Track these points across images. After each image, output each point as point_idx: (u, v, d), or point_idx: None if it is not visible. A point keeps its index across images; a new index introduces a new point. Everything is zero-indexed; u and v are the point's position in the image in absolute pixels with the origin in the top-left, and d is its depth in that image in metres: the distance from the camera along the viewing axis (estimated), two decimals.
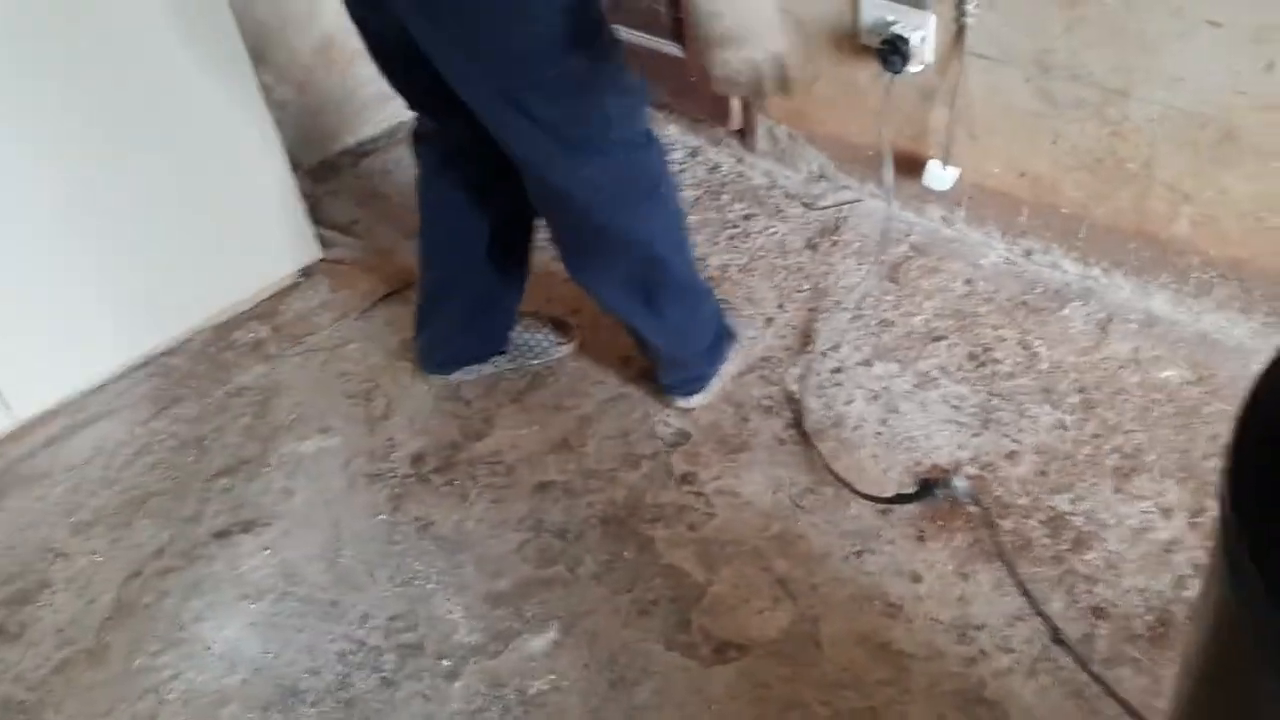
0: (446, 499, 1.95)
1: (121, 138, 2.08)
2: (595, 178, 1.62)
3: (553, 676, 1.65)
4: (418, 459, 2.03)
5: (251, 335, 2.36)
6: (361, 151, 2.88)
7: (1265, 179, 1.84)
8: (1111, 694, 1.50)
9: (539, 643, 1.70)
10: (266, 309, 2.41)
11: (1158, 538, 1.72)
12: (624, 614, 1.72)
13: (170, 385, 2.26)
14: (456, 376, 2.14)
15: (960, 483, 1.74)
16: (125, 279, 2.20)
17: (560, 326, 2.19)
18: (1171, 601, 1.63)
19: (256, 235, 2.39)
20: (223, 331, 2.36)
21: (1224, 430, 1.78)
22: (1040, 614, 1.61)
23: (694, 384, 2.02)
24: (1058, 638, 1.57)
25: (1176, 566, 1.68)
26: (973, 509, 1.77)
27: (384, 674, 1.69)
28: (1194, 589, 1.63)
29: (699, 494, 1.89)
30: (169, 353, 2.32)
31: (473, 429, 2.08)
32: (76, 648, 1.79)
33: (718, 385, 2.04)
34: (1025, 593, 1.64)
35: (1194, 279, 2.03)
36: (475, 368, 2.14)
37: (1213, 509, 1.72)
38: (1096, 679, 1.52)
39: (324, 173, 2.77)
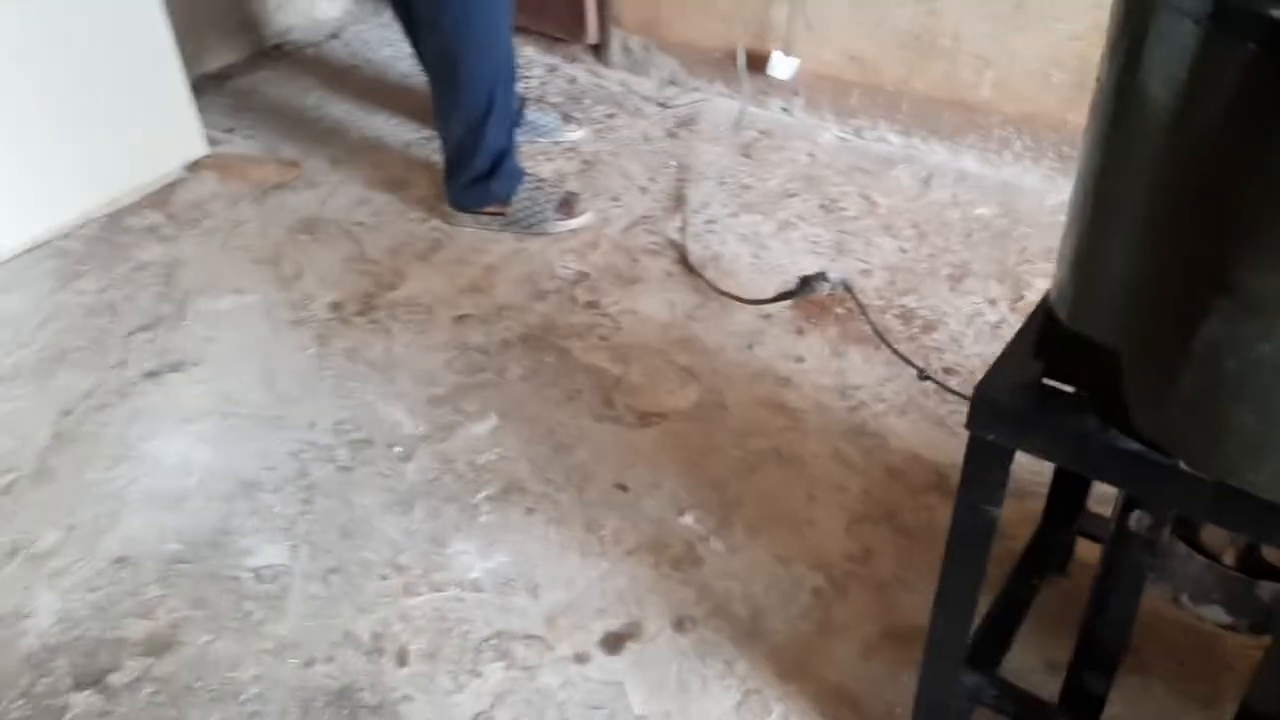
0: (370, 334, 2.11)
1: (11, 26, 2.15)
2: None
3: (499, 449, 1.84)
4: (336, 306, 2.18)
5: (145, 221, 2.44)
6: (224, 74, 2.99)
7: (1049, 39, 2.27)
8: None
9: (481, 428, 1.89)
10: (156, 199, 2.50)
11: (987, 320, 2.09)
12: (554, 401, 1.94)
13: (70, 264, 2.31)
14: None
15: (834, 275, 2.06)
16: (13, 161, 2.25)
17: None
18: None
19: (147, 127, 2.48)
20: (115, 219, 2.43)
21: (1029, 245, 2.18)
22: (904, 359, 1.95)
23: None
24: (924, 376, 1.91)
25: (1004, 337, 2.04)
26: (840, 310, 2.09)
27: (339, 463, 1.84)
28: None
29: (604, 315, 2.14)
30: (63, 237, 2.37)
31: (385, 281, 2.25)
32: (19, 474, 1.84)
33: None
34: (894, 351, 1.96)
35: (995, 135, 2.44)
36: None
37: (1028, 297, 2.11)
38: (956, 393, 1.87)
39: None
